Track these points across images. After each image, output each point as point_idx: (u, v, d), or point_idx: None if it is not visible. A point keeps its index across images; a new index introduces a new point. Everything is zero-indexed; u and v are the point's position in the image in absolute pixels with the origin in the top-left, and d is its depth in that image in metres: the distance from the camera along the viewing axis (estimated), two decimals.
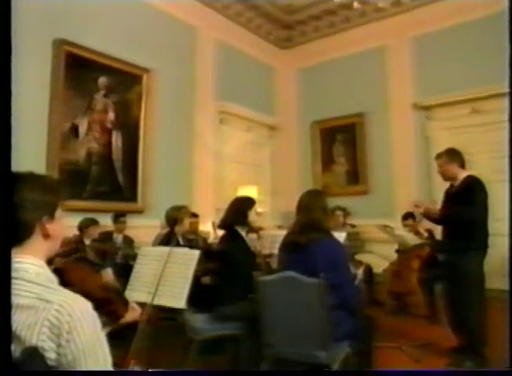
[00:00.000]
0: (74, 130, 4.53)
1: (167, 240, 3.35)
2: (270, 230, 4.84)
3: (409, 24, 6.21)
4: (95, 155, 4.72)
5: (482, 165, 4.82)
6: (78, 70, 4.54)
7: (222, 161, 6.30)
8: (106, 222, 4.38)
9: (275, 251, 3.05)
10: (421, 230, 4.60)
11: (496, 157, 4.92)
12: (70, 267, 2.53)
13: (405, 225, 4.79)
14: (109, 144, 4.88)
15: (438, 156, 3.31)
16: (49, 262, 1.12)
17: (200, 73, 6.09)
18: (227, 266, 2.82)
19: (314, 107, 7.21)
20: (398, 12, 6.28)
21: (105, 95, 4.85)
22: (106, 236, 4.34)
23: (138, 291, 2.39)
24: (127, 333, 2.12)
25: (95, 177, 4.69)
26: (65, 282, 1.17)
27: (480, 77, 5.46)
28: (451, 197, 3.21)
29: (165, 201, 4.14)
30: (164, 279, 2.30)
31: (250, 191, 5.31)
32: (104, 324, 1.13)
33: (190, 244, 3.69)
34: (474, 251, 3.03)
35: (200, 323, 2.68)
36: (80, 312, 0.94)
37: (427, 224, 4.09)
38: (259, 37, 7.14)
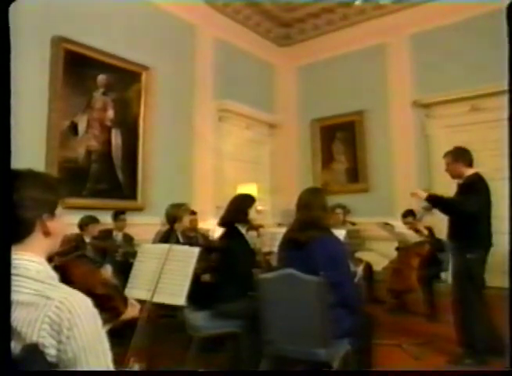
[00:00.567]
0: (73, 128, 4.53)
1: (167, 237, 3.35)
2: (270, 228, 4.84)
3: (409, 22, 6.20)
4: (95, 153, 4.72)
5: (482, 163, 4.81)
6: (77, 67, 4.53)
7: (222, 159, 6.30)
8: (105, 219, 4.37)
9: (275, 248, 3.04)
10: (421, 228, 4.59)
11: (496, 154, 4.91)
12: (70, 264, 2.53)
13: (405, 223, 4.80)
14: (108, 142, 4.88)
15: (446, 155, 3.36)
16: (49, 259, 1.12)
17: (199, 70, 6.08)
18: (227, 264, 2.82)
19: (313, 105, 7.20)
20: (398, 9, 6.27)
21: (104, 93, 4.84)
22: (106, 234, 4.33)
23: (138, 289, 2.39)
24: (126, 330, 2.12)
25: (95, 175, 4.69)
26: (66, 279, 1.17)
27: (479, 75, 5.46)
28: (456, 191, 3.28)
29: (165, 199, 4.15)
30: (164, 276, 2.30)
31: (249, 189, 5.30)
32: (105, 321, 1.13)
33: (190, 242, 3.69)
34: (476, 249, 3.06)
35: (200, 320, 2.68)
36: (80, 308, 0.93)
37: (427, 221, 4.09)
38: (258, 35, 7.13)
